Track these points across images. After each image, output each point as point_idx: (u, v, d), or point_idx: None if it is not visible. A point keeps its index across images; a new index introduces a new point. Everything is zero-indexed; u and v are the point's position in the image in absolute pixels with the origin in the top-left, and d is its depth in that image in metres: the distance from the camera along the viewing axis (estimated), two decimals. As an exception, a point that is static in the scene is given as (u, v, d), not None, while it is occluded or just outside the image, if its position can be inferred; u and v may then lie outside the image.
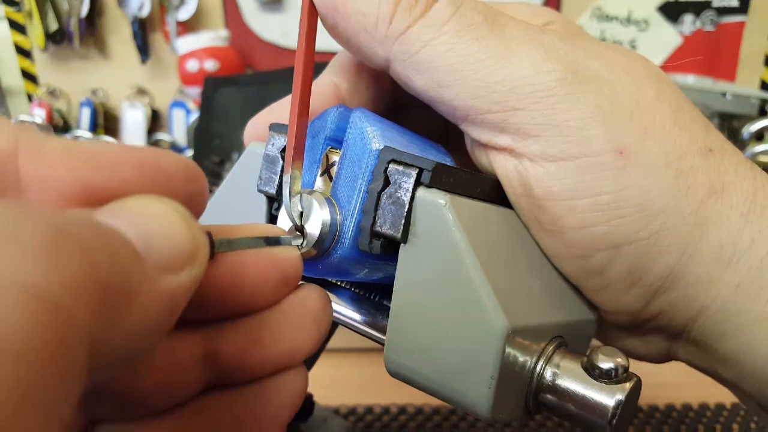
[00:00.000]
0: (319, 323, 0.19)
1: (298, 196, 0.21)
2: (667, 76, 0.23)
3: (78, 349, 0.10)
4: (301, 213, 0.21)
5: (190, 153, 0.83)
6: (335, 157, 0.22)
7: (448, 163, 0.23)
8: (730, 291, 0.21)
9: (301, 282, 0.19)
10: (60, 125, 0.88)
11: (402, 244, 0.20)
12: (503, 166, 0.22)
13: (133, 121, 0.90)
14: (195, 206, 0.16)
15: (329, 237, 0.21)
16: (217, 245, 0.16)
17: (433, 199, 0.19)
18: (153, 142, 0.90)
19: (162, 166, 0.15)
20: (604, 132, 0.20)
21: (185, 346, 0.17)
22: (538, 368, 0.20)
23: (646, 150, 0.21)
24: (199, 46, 0.84)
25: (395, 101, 0.27)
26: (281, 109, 0.25)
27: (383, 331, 0.22)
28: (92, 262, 0.11)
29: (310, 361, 0.34)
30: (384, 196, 0.20)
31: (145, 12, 0.87)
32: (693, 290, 0.22)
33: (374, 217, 0.20)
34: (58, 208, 0.12)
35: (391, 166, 0.20)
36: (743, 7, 0.85)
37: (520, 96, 0.20)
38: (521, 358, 0.20)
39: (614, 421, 0.19)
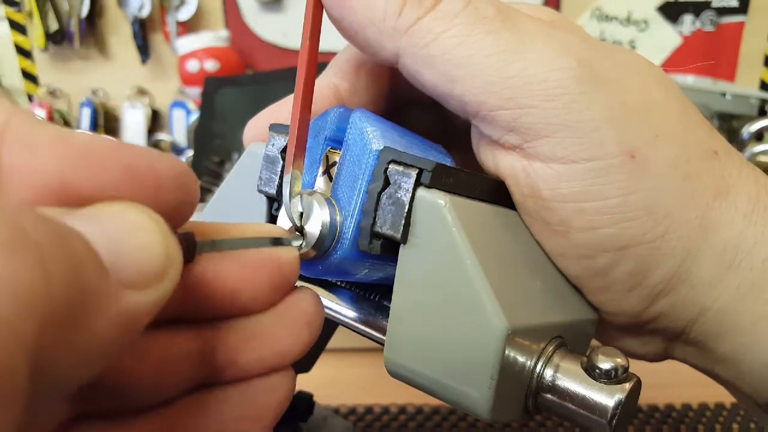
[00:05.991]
0: (311, 327, 0.18)
1: (298, 196, 0.21)
2: (670, 77, 0.23)
3: (19, 367, 0.10)
4: (301, 213, 0.21)
5: (190, 153, 0.83)
6: (335, 158, 0.22)
7: (448, 164, 0.23)
8: (730, 293, 0.21)
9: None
10: (60, 125, 0.88)
11: (402, 245, 0.20)
12: (511, 167, 0.21)
13: (134, 122, 0.90)
14: (182, 214, 0.15)
15: (329, 237, 0.21)
16: (199, 246, 0.16)
17: (432, 200, 0.19)
18: (153, 143, 0.90)
19: (153, 170, 0.14)
20: (616, 134, 0.20)
21: (179, 343, 0.17)
22: (537, 368, 0.20)
23: (655, 153, 0.20)
24: (200, 47, 0.84)
25: (395, 102, 0.27)
26: (281, 110, 0.25)
27: (383, 331, 0.22)
28: (47, 274, 0.10)
29: (309, 362, 0.34)
30: (384, 197, 0.20)
31: (145, 12, 0.87)
32: (694, 293, 0.22)
33: (374, 218, 0.20)
34: (26, 206, 0.11)
35: (391, 166, 0.20)
36: (743, 7, 0.85)
37: (533, 92, 0.20)
38: (521, 359, 0.20)
39: (614, 422, 0.19)
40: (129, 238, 0.12)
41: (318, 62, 0.22)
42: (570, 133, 0.20)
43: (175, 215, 0.14)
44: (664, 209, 0.21)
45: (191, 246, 0.15)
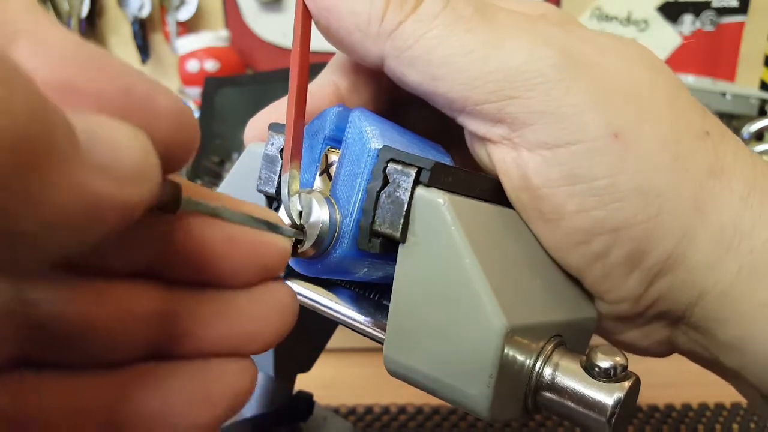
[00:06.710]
0: (283, 319, 0.18)
1: (297, 195, 0.21)
2: (663, 62, 0.23)
3: None
4: (301, 212, 0.21)
5: (190, 153, 0.83)
6: (334, 157, 0.22)
7: (448, 163, 0.23)
8: (730, 277, 0.21)
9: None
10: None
11: (401, 244, 0.20)
12: (501, 160, 0.22)
13: (134, 122, 0.90)
14: (176, 157, 0.15)
15: (328, 236, 0.21)
16: (185, 202, 0.15)
17: (431, 198, 0.19)
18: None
19: (150, 99, 0.14)
20: (598, 116, 0.21)
21: (143, 297, 0.16)
22: (537, 367, 0.20)
23: (641, 134, 0.21)
24: (200, 47, 0.84)
25: (395, 101, 0.27)
26: (281, 109, 0.25)
27: (383, 330, 0.22)
28: (9, 101, 0.09)
29: (309, 362, 0.34)
30: (383, 196, 0.20)
31: (145, 12, 0.87)
32: (692, 275, 0.22)
33: (373, 217, 0.20)
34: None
35: (390, 165, 0.20)
36: (743, 7, 0.85)
37: (514, 84, 0.21)
38: (520, 357, 0.20)
39: (613, 420, 0.19)
40: (107, 131, 0.12)
41: (309, 62, 0.22)
42: (553, 119, 0.21)
43: (169, 155, 0.14)
44: (655, 189, 0.21)
45: (176, 195, 0.15)
